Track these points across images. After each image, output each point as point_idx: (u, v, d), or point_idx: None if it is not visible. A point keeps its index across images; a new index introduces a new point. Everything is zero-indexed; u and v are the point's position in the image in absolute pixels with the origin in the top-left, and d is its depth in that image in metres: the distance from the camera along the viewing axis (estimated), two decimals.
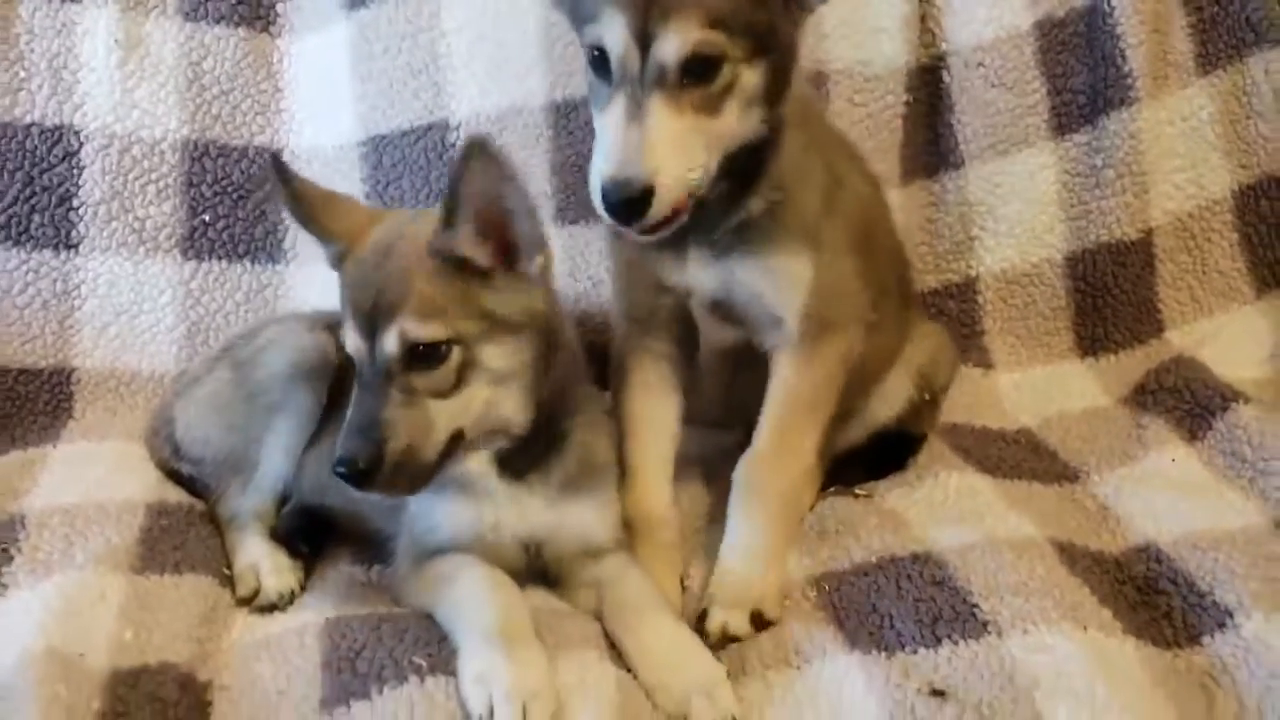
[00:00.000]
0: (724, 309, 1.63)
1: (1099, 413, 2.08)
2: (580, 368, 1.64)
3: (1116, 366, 2.23)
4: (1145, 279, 2.27)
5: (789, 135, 1.54)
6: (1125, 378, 2.16)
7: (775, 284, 1.49)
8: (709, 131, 1.40)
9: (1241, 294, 2.28)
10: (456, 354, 1.43)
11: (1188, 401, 1.96)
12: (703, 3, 1.32)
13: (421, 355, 1.42)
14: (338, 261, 1.52)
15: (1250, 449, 1.79)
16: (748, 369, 1.70)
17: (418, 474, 1.44)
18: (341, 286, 1.49)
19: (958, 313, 2.29)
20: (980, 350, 2.27)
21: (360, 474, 1.40)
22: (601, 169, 1.35)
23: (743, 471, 1.61)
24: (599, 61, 1.37)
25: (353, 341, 1.46)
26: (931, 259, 2.30)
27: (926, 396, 1.87)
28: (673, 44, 1.33)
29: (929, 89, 2.27)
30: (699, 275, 1.59)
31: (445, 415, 1.44)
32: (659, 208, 1.37)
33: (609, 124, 1.35)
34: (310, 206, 1.53)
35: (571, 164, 2.17)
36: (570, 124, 2.17)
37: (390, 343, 1.41)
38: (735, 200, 1.54)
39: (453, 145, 2.19)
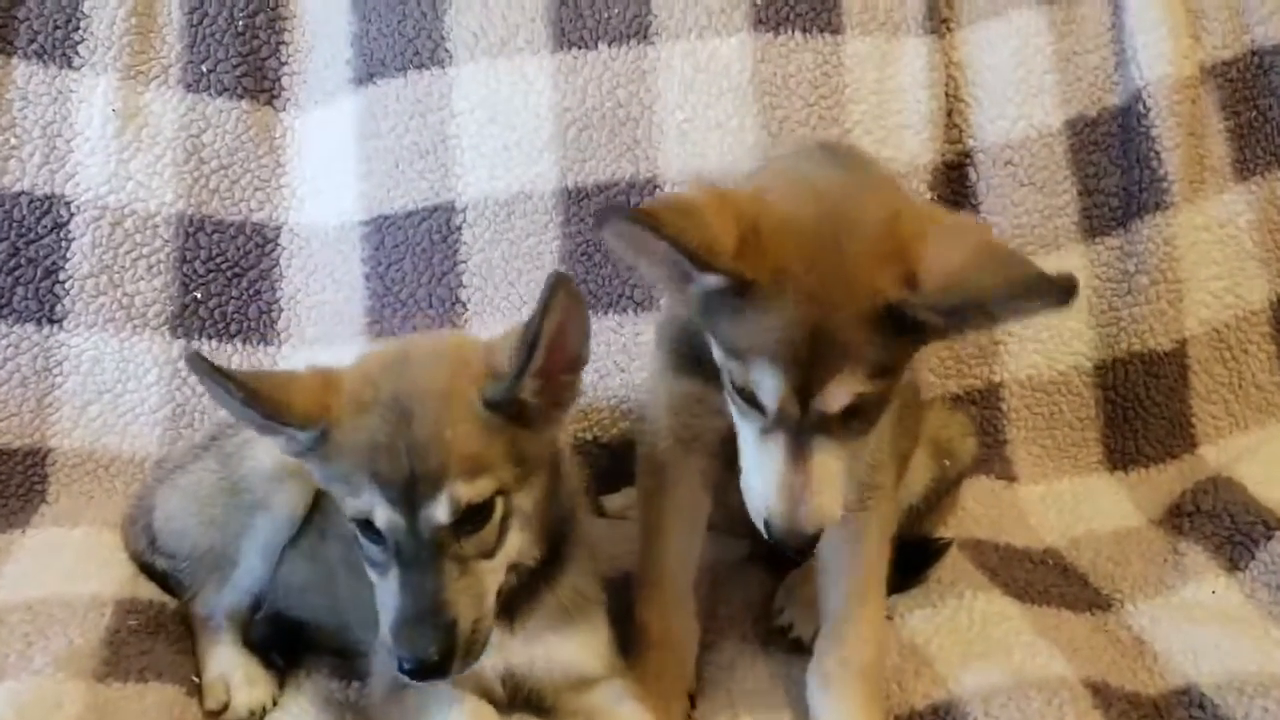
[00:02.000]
0: None
1: (1131, 534, 1.99)
2: (577, 486, 1.54)
3: (1147, 482, 2.14)
4: (1179, 391, 2.18)
5: None
6: (1157, 495, 2.07)
7: None
8: (862, 453, 1.38)
9: None
10: (500, 505, 1.33)
11: (1228, 527, 1.87)
12: (863, 357, 1.27)
13: (470, 516, 1.31)
14: (317, 443, 1.35)
15: None
16: None
17: (482, 646, 1.33)
18: (339, 463, 1.34)
19: (980, 419, 2.18)
20: (1003, 461, 2.18)
21: (435, 668, 1.29)
22: (770, 506, 1.31)
23: (835, 656, 1.53)
24: (747, 395, 1.33)
25: (384, 516, 1.31)
26: (953, 363, 2.21)
27: (946, 462, 1.82)
28: (838, 399, 1.28)
29: (953, 186, 2.21)
30: None
31: (492, 575, 1.35)
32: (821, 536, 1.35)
33: (772, 461, 1.31)
34: (262, 397, 1.33)
35: (581, 251, 2.12)
36: (581, 211, 2.12)
37: (440, 512, 1.29)
38: None
39: (458, 228, 2.13)
